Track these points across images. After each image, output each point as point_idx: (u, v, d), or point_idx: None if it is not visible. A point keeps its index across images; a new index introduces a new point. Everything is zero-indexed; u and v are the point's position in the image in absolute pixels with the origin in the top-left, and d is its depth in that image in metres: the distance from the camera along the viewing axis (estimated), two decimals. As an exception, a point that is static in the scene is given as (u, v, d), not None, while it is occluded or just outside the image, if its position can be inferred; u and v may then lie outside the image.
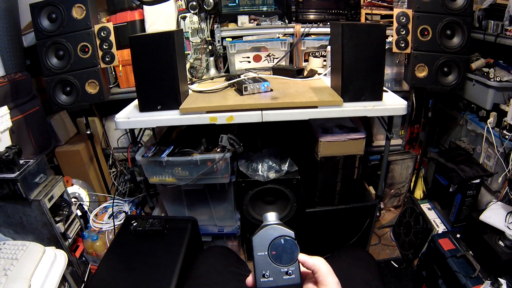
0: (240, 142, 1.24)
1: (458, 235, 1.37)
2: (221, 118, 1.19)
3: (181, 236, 1.20)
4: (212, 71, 1.68)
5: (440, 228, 1.51)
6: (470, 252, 1.27)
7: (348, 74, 1.18)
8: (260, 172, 1.40)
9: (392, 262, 1.61)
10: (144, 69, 1.16)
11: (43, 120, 1.69)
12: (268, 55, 1.73)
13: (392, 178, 1.86)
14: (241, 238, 1.61)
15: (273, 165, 1.42)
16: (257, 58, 1.74)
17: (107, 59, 1.40)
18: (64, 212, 1.38)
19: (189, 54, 1.75)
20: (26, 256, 0.98)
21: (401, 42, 1.45)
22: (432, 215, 1.58)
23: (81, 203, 1.68)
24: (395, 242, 1.72)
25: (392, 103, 1.23)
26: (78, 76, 1.45)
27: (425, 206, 1.62)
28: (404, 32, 1.44)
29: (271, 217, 0.61)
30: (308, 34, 1.68)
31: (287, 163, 1.42)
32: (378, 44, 1.18)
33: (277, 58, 1.73)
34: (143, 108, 1.23)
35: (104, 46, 1.39)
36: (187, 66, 1.71)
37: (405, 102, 1.23)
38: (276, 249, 0.56)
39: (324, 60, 1.69)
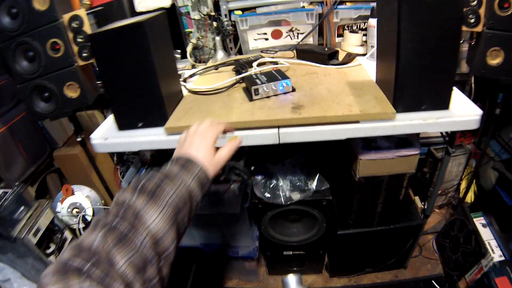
0: (249, 170, 0.91)
1: (517, 268, 1.06)
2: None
3: (184, 278, 0.96)
4: (220, 54, 1.30)
5: (496, 254, 1.17)
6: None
7: (405, 73, 0.79)
8: (280, 192, 1.09)
9: (433, 281, 1.33)
10: (114, 76, 0.82)
11: (32, 125, 1.43)
12: (291, 30, 1.31)
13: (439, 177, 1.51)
14: (261, 254, 1.38)
15: (298, 183, 1.10)
16: (276, 35, 1.33)
17: (84, 54, 1.05)
18: (57, 238, 1.19)
19: (191, 32, 1.36)
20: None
21: (471, 16, 0.98)
22: (487, 235, 1.23)
23: (84, 214, 1.48)
24: (438, 254, 1.42)
25: (461, 113, 0.83)
26: (54, 80, 1.12)
27: (479, 221, 1.27)
28: (475, 3, 0.96)
29: (292, 283, 0.48)
30: (342, 2, 1.23)
31: (316, 180, 1.10)
32: (451, 29, 0.75)
33: (302, 34, 1.31)
34: (121, 126, 0.91)
35: (79, 40, 1.03)
36: (189, 48, 1.33)
37: (479, 112, 0.82)
38: None
39: (364, 35, 1.25)
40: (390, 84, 0.83)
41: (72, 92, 1.15)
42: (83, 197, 1.52)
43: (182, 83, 1.06)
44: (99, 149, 0.94)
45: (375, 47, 1.14)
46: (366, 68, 1.09)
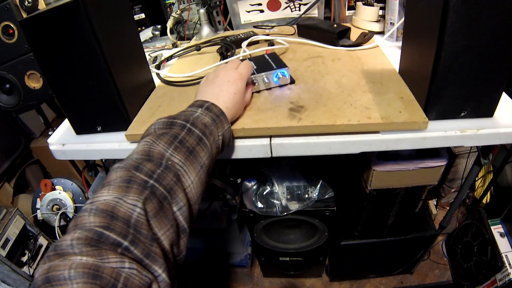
0: (235, 185, 0.72)
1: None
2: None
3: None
4: (205, 30, 1.05)
5: None
6: None
7: (448, 69, 0.56)
8: (275, 200, 0.91)
9: (441, 289, 1.21)
10: (58, 70, 0.61)
11: (1, 116, 1.25)
12: (291, 0, 1.05)
13: (454, 173, 1.33)
14: (254, 258, 1.23)
15: (297, 191, 0.91)
16: (273, 6, 1.07)
17: (42, 37, 0.84)
18: (31, 244, 1.05)
19: (173, 3, 1.10)
20: None
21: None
22: (504, 246, 1.06)
23: (65, 211, 1.32)
24: (447, 259, 1.28)
25: (506, 123, 0.61)
26: (12, 69, 0.94)
27: (496, 230, 1.10)
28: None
29: None
30: (358, -37, 0.97)
31: (318, 188, 0.91)
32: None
33: (305, 5, 1.06)
34: (78, 129, 0.71)
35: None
36: (169, 23, 1.08)
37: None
38: None
39: (382, 8, 1.00)
40: (423, 81, 0.61)
41: (34, 82, 0.99)
42: (63, 192, 1.36)
43: (154, 69, 0.83)
44: (58, 156, 0.74)
45: (396, 24, 0.90)
46: (385, 51, 0.86)
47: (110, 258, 0.29)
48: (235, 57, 0.80)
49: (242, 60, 0.69)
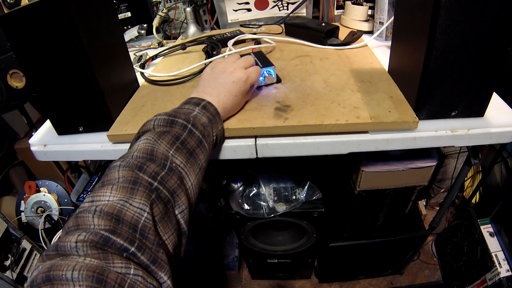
0: (219, 187, 0.68)
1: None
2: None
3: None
4: (191, 29, 1.01)
5: (503, 268, 1.00)
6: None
7: (439, 68, 0.53)
8: (263, 202, 0.87)
9: (432, 289, 1.19)
10: (38, 68, 0.56)
11: None
12: (280, -1, 1.02)
13: (443, 174, 1.31)
14: (242, 260, 1.19)
15: (284, 193, 0.88)
16: (261, 4, 1.03)
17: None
18: (15, 247, 1.01)
19: (159, 2, 1.06)
20: None
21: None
22: (494, 246, 1.05)
23: (50, 214, 1.26)
24: (437, 259, 1.26)
25: (497, 123, 0.58)
26: None
27: (486, 229, 1.08)
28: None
29: None
30: (347, -39, 0.94)
31: (305, 189, 0.88)
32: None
33: (293, 4, 1.02)
34: (59, 130, 0.67)
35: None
36: (155, 22, 1.03)
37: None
38: None
39: (371, 8, 0.97)
40: (413, 80, 0.58)
41: (17, 81, 0.96)
42: (48, 194, 1.30)
43: (138, 69, 0.79)
44: (39, 157, 0.70)
45: (385, 24, 0.87)
46: (373, 50, 0.83)
47: (115, 262, 0.28)
48: (244, 48, 0.76)
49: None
